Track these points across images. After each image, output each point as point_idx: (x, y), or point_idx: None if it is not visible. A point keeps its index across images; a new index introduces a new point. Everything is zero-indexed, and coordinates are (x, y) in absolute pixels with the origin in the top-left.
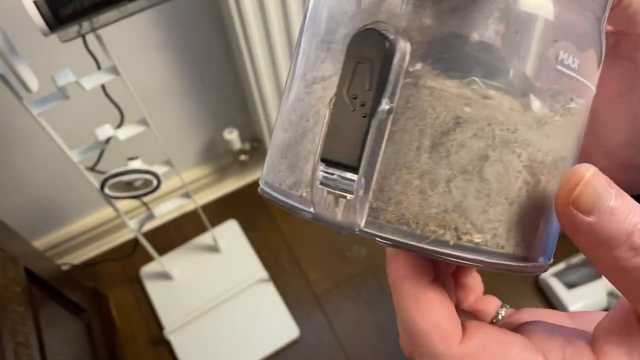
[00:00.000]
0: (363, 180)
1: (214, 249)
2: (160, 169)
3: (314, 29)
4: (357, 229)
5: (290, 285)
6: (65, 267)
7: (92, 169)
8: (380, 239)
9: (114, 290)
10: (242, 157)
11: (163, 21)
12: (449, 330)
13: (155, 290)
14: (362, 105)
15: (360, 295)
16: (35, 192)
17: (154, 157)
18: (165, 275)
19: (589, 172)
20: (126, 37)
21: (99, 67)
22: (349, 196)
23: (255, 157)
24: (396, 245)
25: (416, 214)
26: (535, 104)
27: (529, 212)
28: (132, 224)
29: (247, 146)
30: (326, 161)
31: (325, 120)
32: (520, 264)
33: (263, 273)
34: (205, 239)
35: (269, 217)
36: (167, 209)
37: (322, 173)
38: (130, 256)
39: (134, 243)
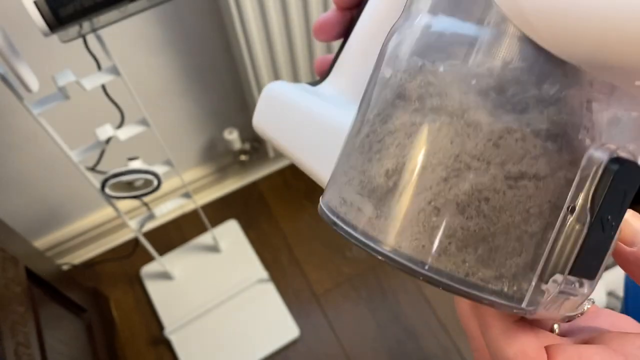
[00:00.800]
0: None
1: (214, 249)
2: (160, 169)
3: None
4: (563, 319)
5: (290, 285)
6: (65, 267)
7: (92, 169)
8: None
9: (114, 290)
10: (242, 157)
11: (163, 21)
12: (535, 356)
13: (155, 290)
14: (612, 226)
15: (360, 295)
16: (35, 192)
17: (155, 157)
18: (165, 275)
19: (627, 213)
20: (127, 37)
21: (99, 67)
22: (572, 297)
23: (255, 157)
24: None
25: None
26: None
27: None
28: (133, 223)
29: (247, 146)
30: (568, 273)
31: (579, 239)
32: None
33: (263, 273)
34: (205, 239)
35: (269, 217)
36: (167, 209)
37: (562, 285)
38: (131, 256)
39: (134, 243)
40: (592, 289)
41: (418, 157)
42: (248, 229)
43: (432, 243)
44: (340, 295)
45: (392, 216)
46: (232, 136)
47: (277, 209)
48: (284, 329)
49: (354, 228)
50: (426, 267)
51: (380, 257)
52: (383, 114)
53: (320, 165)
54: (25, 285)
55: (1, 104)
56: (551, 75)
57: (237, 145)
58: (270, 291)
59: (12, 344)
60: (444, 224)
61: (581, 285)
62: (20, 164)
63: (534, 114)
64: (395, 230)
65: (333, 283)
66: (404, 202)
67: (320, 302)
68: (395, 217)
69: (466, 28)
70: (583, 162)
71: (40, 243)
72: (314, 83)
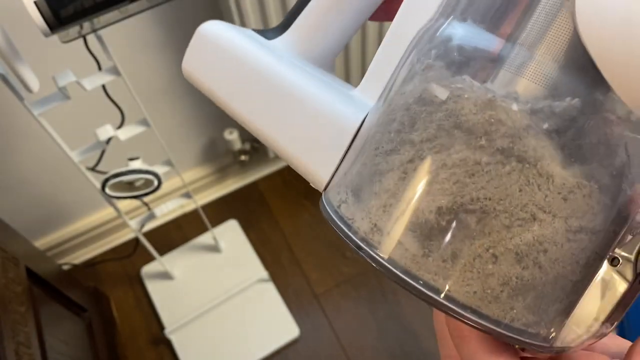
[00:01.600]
0: None
1: (214, 248)
2: (160, 169)
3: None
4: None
5: (290, 285)
6: (66, 267)
7: (93, 169)
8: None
9: (114, 289)
10: (243, 158)
11: (164, 21)
12: None
13: (155, 290)
14: None
15: (360, 295)
16: (36, 192)
17: (155, 157)
18: (165, 275)
19: None
20: (127, 37)
21: (99, 68)
22: (596, 337)
23: (256, 157)
24: None
25: None
26: None
27: None
28: (133, 223)
29: (247, 146)
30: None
31: (619, 292)
32: None
33: (263, 273)
34: (205, 238)
35: (269, 217)
36: (167, 209)
37: (595, 331)
38: (131, 256)
39: (134, 243)
40: (612, 329)
41: (480, 200)
42: (248, 229)
43: (484, 290)
44: (340, 295)
45: (441, 258)
46: (232, 136)
47: (277, 209)
48: (284, 328)
49: (393, 263)
50: (473, 313)
51: (420, 297)
52: (436, 142)
53: (254, 114)
54: (26, 285)
55: (1, 104)
56: (610, 119)
57: (237, 145)
58: (270, 291)
59: (13, 343)
60: (500, 272)
61: (607, 328)
62: (21, 164)
63: (595, 165)
64: (445, 272)
65: (333, 283)
66: (458, 246)
67: (320, 302)
68: (446, 259)
69: (519, 53)
70: (636, 219)
71: (40, 243)
72: (264, 33)
